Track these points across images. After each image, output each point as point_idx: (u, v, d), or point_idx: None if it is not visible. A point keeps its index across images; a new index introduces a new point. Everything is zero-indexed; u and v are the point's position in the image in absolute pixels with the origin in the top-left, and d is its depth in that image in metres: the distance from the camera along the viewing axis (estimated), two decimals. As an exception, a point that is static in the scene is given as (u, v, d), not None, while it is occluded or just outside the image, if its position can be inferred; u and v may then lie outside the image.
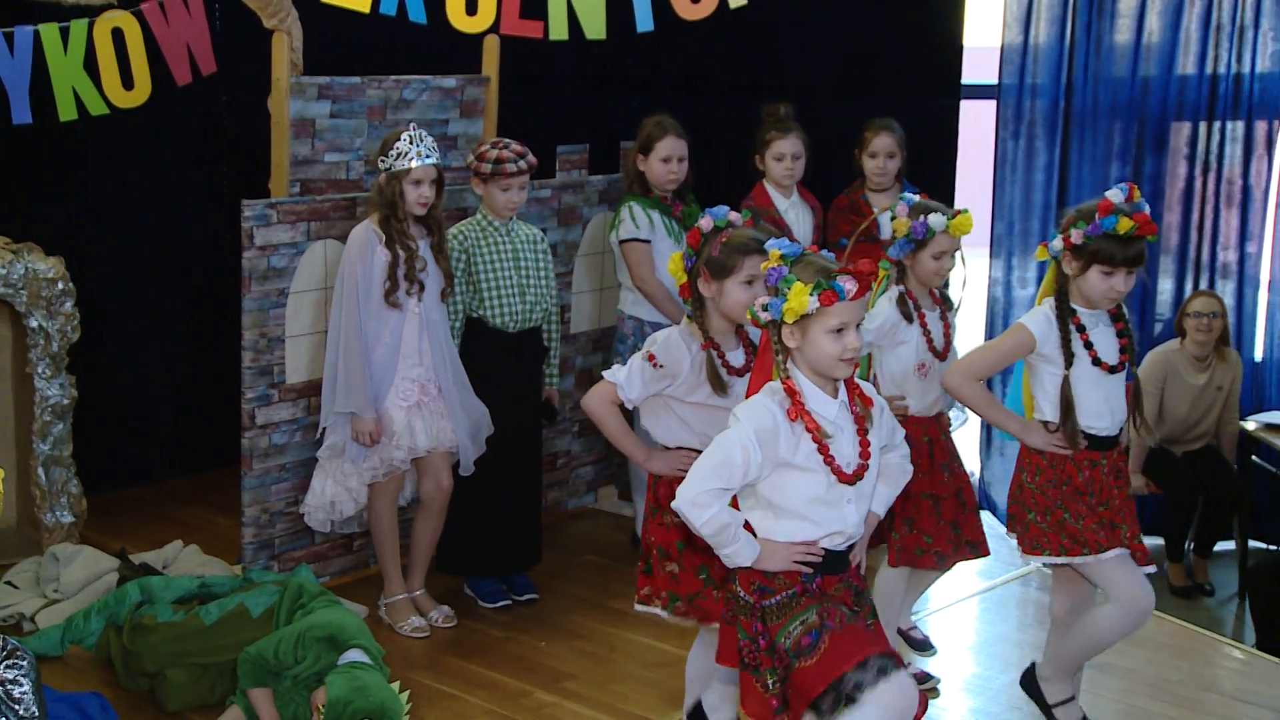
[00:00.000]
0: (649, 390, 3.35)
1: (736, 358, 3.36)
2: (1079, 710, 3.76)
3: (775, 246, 2.89)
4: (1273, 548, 5.97)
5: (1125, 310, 3.56)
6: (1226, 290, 6.13)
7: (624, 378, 3.35)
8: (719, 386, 3.29)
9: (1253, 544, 5.94)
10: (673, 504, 2.90)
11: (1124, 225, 3.36)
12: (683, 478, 3.26)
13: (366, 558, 4.86)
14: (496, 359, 4.58)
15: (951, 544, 4.02)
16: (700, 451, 3.29)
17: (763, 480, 2.86)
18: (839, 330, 2.82)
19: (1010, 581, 5.01)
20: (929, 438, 4.01)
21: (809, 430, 2.83)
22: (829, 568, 2.90)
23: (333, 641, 3.75)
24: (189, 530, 5.09)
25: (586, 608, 4.69)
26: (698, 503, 2.83)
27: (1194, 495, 5.84)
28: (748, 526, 2.93)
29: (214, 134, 5.84)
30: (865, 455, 2.89)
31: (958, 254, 3.93)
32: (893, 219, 3.94)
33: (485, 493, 4.59)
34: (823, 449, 2.83)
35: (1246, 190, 6.05)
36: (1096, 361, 3.44)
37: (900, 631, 4.28)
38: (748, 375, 3.33)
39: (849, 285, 2.80)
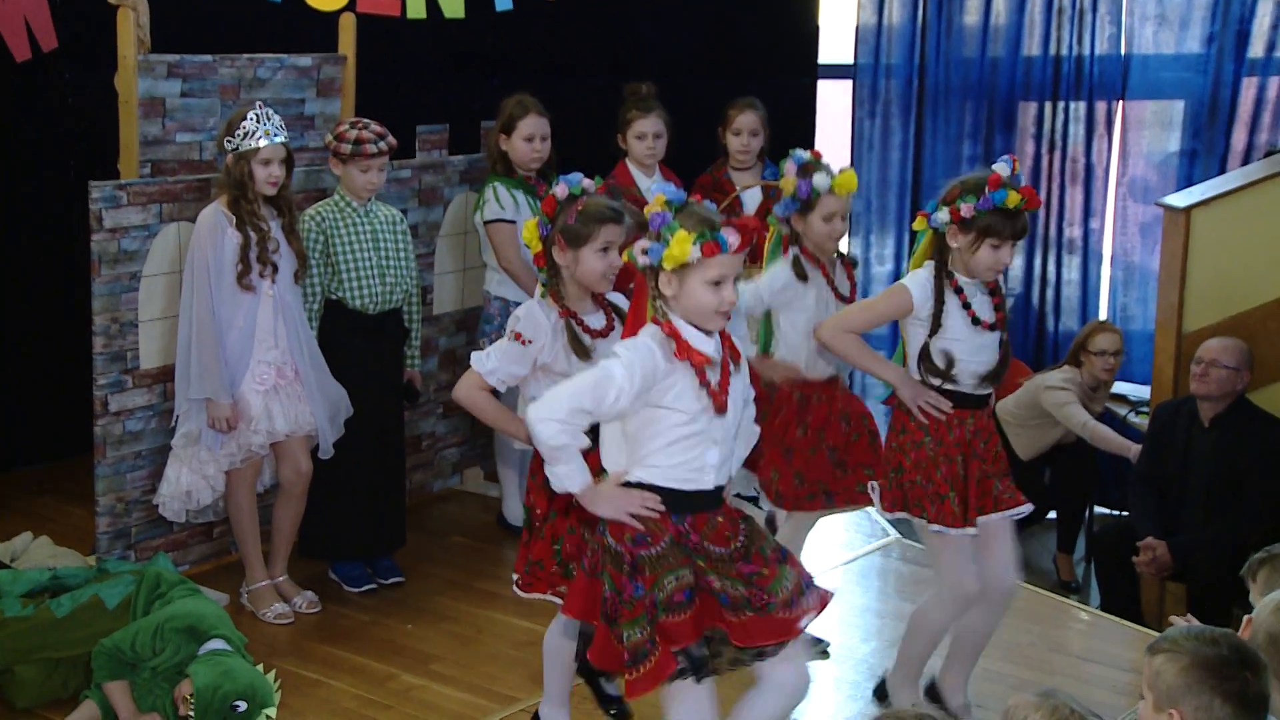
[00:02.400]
0: (520, 370, 3.33)
1: (596, 320, 3.37)
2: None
3: (661, 191, 2.87)
4: (1117, 514, 6.20)
5: (1000, 283, 3.59)
6: (1072, 265, 6.35)
7: (491, 364, 3.32)
8: (581, 352, 3.30)
9: (1098, 510, 6.17)
10: (527, 414, 2.84)
11: (1013, 199, 3.39)
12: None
13: (227, 545, 4.77)
14: (356, 341, 4.53)
15: (838, 486, 4.09)
16: None
17: (628, 418, 2.85)
18: (717, 282, 2.83)
19: (872, 552, 5.13)
20: (822, 397, 4.06)
21: (695, 366, 2.83)
22: (698, 505, 2.90)
23: (193, 632, 3.69)
24: (40, 522, 4.93)
25: (453, 589, 4.67)
26: (554, 416, 2.79)
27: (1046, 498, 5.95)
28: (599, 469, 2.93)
29: (58, 112, 5.64)
30: (724, 389, 2.89)
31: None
32: (782, 177, 3.96)
33: (347, 476, 4.55)
34: (703, 380, 2.83)
35: (1089, 168, 6.28)
36: (976, 320, 3.48)
37: None
38: (612, 335, 3.35)
39: (732, 238, 2.82)
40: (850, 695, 4.04)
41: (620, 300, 3.45)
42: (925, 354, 3.50)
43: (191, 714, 3.54)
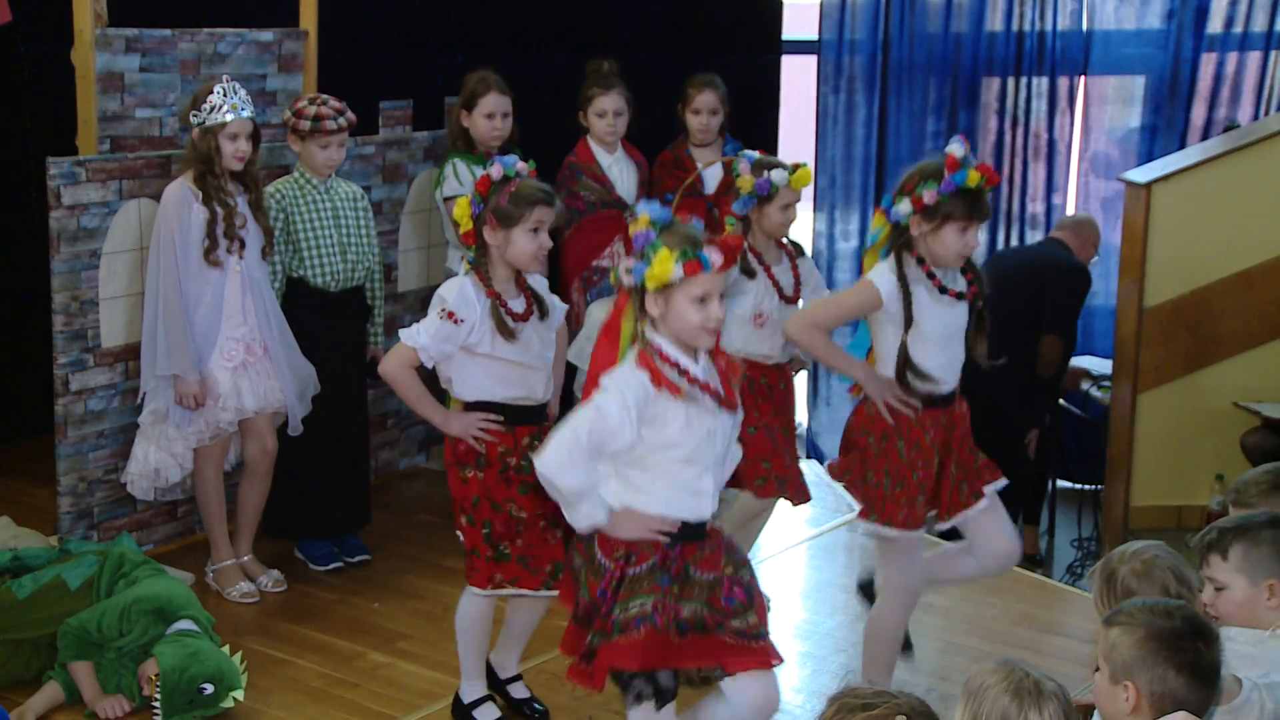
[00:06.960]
0: (449, 349, 3.35)
1: (518, 305, 3.41)
2: None
3: (645, 211, 2.85)
4: (1079, 487, 6.24)
5: (972, 259, 3.53)
6: (1035, 240, 6.37)
7: (423, 340, 3.34)
8: (506, 333, 3.34)
9: (1061, 484, 6.21)
10: (536, 464, 2.86)
11: (974, 178, 3.34)
12: (479, 438, 3.36)
13: (192, 524, 4.75)
14: (318, 319, 4.51)
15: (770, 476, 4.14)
16: (498, 406, 3.38)
17: (631, 451, 2.86)
18: (702, 300, 2.82)
19: (837, 528, 5.16)
20: (768, 381, 4.10)
21: (673, 395, 2.83)
22: (689, 536, 2.93)
23: (161, 614, 3.68)
24: (0, 503, 4.89)
25: (420, 567, 4.68)
26: (570, 464, 2.81)
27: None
28: None
29: (14, 87, 5.57)
30: (730, 396, 2.91)
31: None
32: (737, 177, 4.00)
33: (312, 454, 4.53)
34: (689, 380, 2.82)
35: (1052, 144, 6.31)
36: (943, 290, 3.41)
37: None
38: (532, 320, 3.40)
39: (714, 257, 2.81)
40: (816, 670, 4.08)
41: (540, 284, 3.51)
42: (903, 352, 3.44)
43: (157, 694, 3.54)
